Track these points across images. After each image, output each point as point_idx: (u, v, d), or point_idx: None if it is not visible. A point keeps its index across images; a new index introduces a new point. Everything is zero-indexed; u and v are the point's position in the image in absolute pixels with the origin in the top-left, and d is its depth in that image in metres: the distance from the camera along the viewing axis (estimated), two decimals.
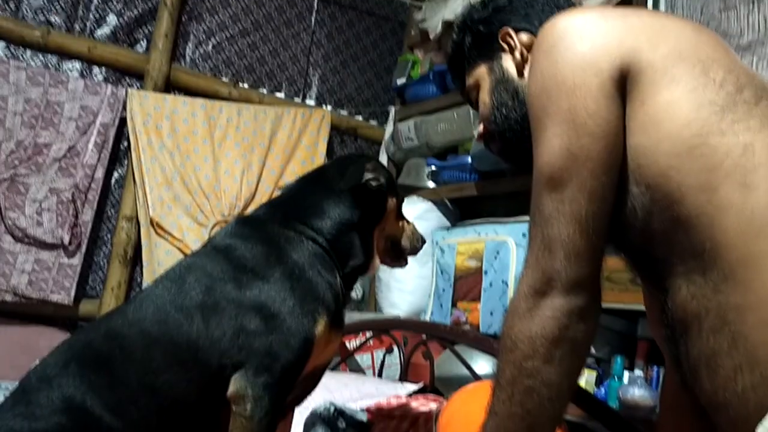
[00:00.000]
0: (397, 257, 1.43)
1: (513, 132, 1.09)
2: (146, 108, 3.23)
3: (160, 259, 3.16)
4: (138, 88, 3.32)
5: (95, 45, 3.22)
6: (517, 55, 1.10)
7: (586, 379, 2.51)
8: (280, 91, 3.75)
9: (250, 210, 3.26)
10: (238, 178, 3.35)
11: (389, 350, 2.40)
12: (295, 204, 1.29)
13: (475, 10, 1.19)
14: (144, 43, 3.40)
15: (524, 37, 1.10)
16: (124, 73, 3.33)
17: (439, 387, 2.02)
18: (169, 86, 3.39)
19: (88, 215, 3.08)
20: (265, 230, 1.22)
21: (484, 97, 1.14)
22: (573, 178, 0.84)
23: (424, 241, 1.45)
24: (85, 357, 1.14)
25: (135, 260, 3.25)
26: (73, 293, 3.02)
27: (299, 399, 1.26)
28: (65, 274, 3.02)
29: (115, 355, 1.12)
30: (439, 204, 3.33)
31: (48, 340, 2.74)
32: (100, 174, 3.11)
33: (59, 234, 2.97)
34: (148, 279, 3.13)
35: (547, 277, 0.84)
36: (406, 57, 3.81)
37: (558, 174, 0.85)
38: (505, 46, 1.12)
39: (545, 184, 0.86)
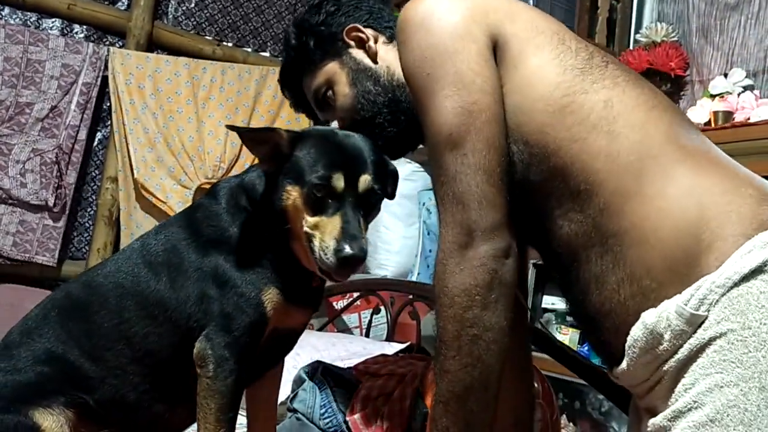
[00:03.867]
0: (320, 267, 1.05)
1: (382, 116, 1.16)
2: (128, 67, 3.17)
3: (139, 221, 3.15)
4: (120, 46, 3.26)
5: (75, 2, 3.15)
6: (372, 44, 1.19)
7: (570, 337, 2.55)
8: (265, 50, 3.69)
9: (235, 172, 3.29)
10: (222, 139, 3.32)
11: (376, 310, 2.42)
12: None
13: (309, 15, 1.25)
14: (125, 0, 3.32)
15: (370, 30, 1.20)
16: (105, 31, 3.27)
17: (425, 346, 2.04)
18: (152, 45, 3.33)
19: (72, 177, 3.05)
20: (243, 195, 1.19)
21: (343, 89, 1.19)
22: (471, 131, 0.90)
23: (353, 259, 1.00)
24: (64, 306, 1.18)
25: (120, 221, 3.23)
26: (57, 255, 3.01)
27: (275, 360, 1.27)
28: (50, 236, 3.00)
29: (91, 302, 1.16)
30: (426, 165, 3.32)
31: (34, 302, 2.74)
32: (83, 134, 3.07)
33: (44, 195, 2.95)
34: (125, 244, 3.12)
35: (466, 229, 0.89)
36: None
37: (456, 131, 0.91)
38: (352, 42, 1.20)
39: (445, 143, 0.92)
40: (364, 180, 1.06)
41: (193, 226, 1.17)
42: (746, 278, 0.81)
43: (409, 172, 3.26)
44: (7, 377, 1.09)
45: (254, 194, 1.14)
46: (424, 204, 3.10)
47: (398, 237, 3.12)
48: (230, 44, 3.58)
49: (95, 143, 3.24)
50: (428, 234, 3.04)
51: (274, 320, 1.11)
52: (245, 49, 3.63)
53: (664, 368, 0.86)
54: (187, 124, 3.27)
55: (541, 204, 0.96)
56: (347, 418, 1.57)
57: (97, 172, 3.25)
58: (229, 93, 3.38)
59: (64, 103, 3.02)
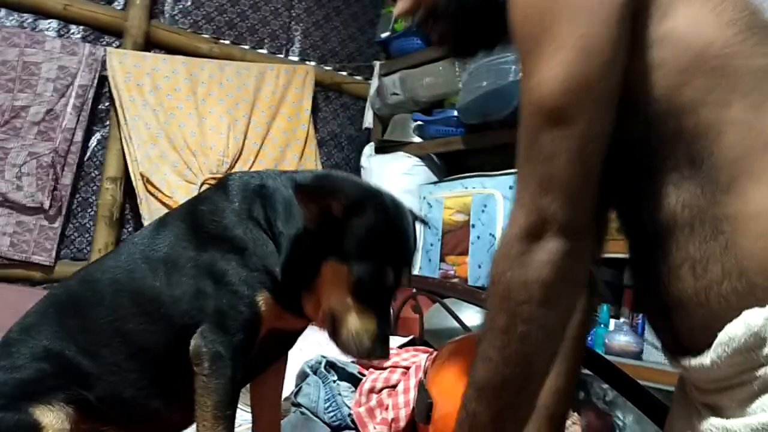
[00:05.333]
0: (336, 341, 1.08)
1: (471, 10, 0.96)
2: (126, 66, 3.16)
3: (154, 215, 3.15)
4: (117, 46, 3.25)
5: (71, 2, 3.14)
6: None
7: None
8: (262, 47, 3.68)
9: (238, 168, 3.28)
10: (224, 134, 3.31)
11: None
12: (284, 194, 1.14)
13: None
14: (121, 0, 3.31)
15: None
16: (102, 32, 3.25)
17: (428, 339, 2.04)
18: (149, 44, 3.32)
19: (68, 179, 3.06)
20: (258, 204, 1.13)
21: None
22: (584, 112, 0.77)
23: (374, 352, 1.04)
24: (62, 302, 1.18)
25: (121, 221, 3.23)
26: (54, 255, 3.03)
27: (278, 355, 1.26)
28: (46, 237, 3.02)
29: (88, 297, 1.15)
30: (426, 159, 3.32)
31: (35, 302, 2.75)
32: (79, 137, 3.07)
33: (39, 198, 2.96)
34: None
35: (542, 218, 0.78)
36: (390, 9, 3.74)
37: (565, 107, 0.76)
38: None
39: (546, 117, 0.78)
40: (407, 274, 1.06)
41: (196, 219, 1.14)
42: None
43: (409, 167, 3.26)
44: (7, 375, 1.09)
45: (271, 211, 1.10)
46: (424, 198, 3.09)
47: None
48: (227, 42, 3.57)
49: (95, 144, 3.23)
50: (429, 228, 3.03)
51: (269, 321, 1.10)
52: (242, 46, 3.62)
53: (757, 373, 0.75)
54: (189, 120, 3.26)
55: (652, 164, 0.83)
56: (352, 412, 1.57)
57: (96, 172, 3.24)
58: (229, 89, 3.38)
59: (59, 106, 3.02)
